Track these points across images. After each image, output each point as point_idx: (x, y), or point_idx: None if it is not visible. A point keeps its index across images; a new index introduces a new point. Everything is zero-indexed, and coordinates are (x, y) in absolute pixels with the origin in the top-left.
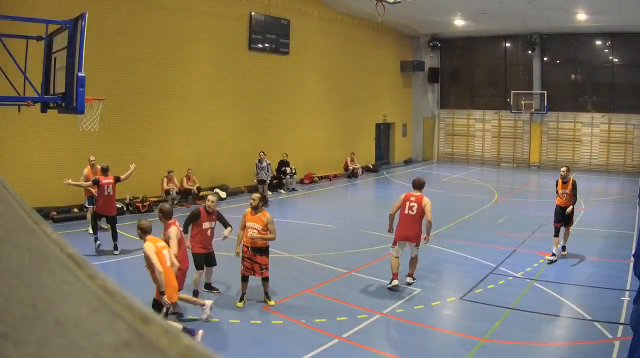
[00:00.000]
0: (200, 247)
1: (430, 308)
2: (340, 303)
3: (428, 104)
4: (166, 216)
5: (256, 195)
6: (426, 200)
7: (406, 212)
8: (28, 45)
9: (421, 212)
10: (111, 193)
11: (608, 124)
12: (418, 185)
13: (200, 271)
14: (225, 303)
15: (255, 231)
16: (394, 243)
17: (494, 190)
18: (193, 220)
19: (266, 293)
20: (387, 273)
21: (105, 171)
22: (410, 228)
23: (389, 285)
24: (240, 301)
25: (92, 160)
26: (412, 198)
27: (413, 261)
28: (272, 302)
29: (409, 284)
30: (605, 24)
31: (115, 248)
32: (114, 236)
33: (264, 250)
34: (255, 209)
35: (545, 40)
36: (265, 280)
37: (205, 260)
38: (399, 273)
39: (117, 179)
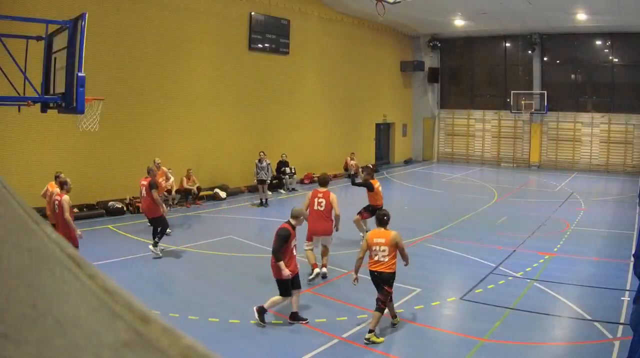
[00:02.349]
0: (291, 269)
1: (430, 308)
2: (340, 303)
3: (428, 104)
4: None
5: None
6: (333, 196)
7: (315, 207)
8: (28, 45)
9: (329, 207)
10: (144, 195)
11: (608, 124)
12: (323, 182)
13: (288, 298)
14: (225, 303)
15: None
16: (309, 239)
17: (494, 190)
18: (285, 242)
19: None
20: None
21: (148, 172)
22: (319, 222)
23: (310, 277)
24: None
25: (157, 163)
26: (320, 195)
27: (324, 251)
28: (396, 320)
29: (324, 276)
30: (605, 24)
31: (155, 244)
32: (154, 234)
33: None
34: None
35: (545, 40)
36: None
37: (292, 282)
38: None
39: (150, 185)
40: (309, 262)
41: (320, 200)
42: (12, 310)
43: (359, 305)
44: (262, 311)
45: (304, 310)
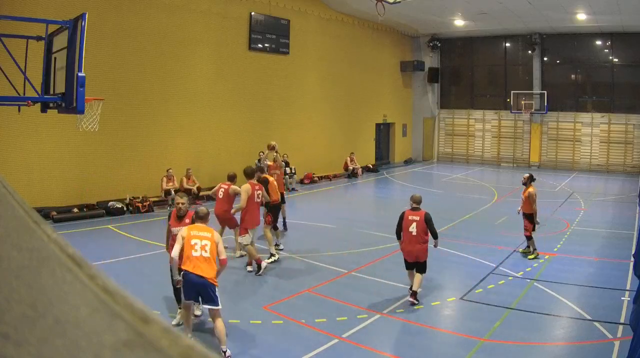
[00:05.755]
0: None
1: (430, 308)
2: (340, 303)
3: (428, 104)
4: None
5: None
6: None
7: (256, 200)
8: (28, 45)
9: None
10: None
11: (608, 124)
12: (250, 174)
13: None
14: (225, 303)
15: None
16: (243, 232)
17: (494, 190)
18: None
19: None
20: (387, 273)
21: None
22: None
23: (259, 273)
24: None
25: (273, 146)
26: (257, 187)
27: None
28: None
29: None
30: (605, 24)
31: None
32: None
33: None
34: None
35: (545, 40)
36: None
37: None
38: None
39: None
40: (253, 257)
41: (258, 191)
42: (12, 310)
43: (359, 305)
44: (414, 295)
45: (304, 310)
